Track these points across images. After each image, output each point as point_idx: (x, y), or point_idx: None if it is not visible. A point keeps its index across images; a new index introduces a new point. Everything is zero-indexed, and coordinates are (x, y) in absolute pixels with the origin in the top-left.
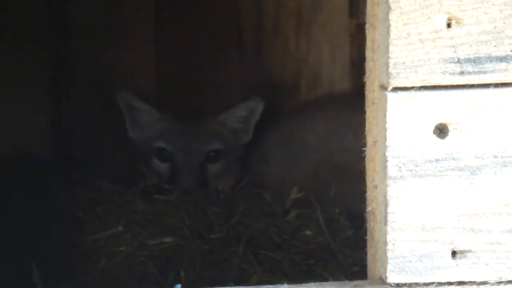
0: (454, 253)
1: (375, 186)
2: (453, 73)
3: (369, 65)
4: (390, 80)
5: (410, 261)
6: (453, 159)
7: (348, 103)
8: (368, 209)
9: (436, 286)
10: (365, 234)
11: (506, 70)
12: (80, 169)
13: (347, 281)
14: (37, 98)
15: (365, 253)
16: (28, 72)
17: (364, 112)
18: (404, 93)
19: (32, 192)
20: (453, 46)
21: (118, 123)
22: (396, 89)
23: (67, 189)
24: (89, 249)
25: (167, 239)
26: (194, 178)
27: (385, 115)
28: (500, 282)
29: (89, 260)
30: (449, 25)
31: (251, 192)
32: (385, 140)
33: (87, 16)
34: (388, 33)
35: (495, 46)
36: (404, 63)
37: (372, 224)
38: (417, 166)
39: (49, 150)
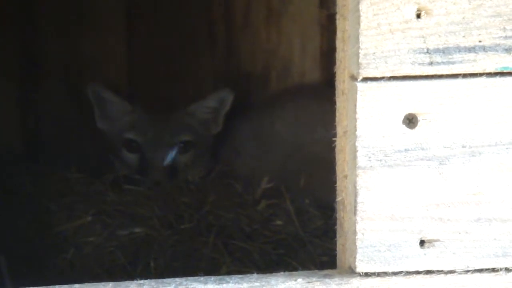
0: (422, 242)
1: (345, 176)
2: (423, 63)
3: (339, 55)
4: (360, 71)
5: (379, 251)
6: (422, 149)
7: (318, 94)
8: (338, 199)
9: (404, 275)
10: (335, 224)
11: (474, 60)
12: (49, 159)
13: (316, 271)
14: (6, 89)
15: (335, 243)
16: None
17: (334, 103)
18: (374, 83)
19: (0, 182)
20: (423, 37)
21: (87, 114)
22: (366, 79)
23: (36, 179)
24: (58, 240)
25: (137, 230)
26: (164, 169)
27: (355, 105)
28: (468, 271)
29: (58, 251)
30: (418, 16)
31: (221, 183)
32: (355, 130)
33: (57, 7)
34: (358, 23)
35: (463, 36)
36: (374, 53)
37: (341, 214)
38: (386, 156)
39: (18, 141)
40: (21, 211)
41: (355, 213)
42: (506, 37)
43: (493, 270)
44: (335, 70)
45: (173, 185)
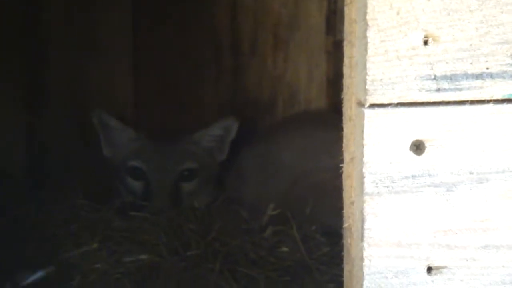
0: (429, 269)
1: (352, 203)
2: (430, 90)
3: (346, 82)
4: (367, 97)
5: (386, 277)
6: (429, 175)
7: (324, 121)
8: (345, 225)
9: None
10: (341, 250)
11: (481, 87)
12: (55, 186)
13: None
14: (12, 115)
15: (341, 270)
16: (1, 90)
17: (340, 129)
18: (381, 109)
19: (6, 209)
20: (430, 63)
21: (93, 141)
22: (373, 105)
23: (41, 206)
24: (64, 267)
25: (143, 256)
26: (168, 197)
27: (362, 131)
28: None
29: (64, 278)
30: (426, 43)
31: (227, 209)
32: (362, 156)
33: (63, 33)
34: (365, 50)
35: (471, 63)
36: (381, 80)
37: (348, 241)
38: (393, 183)
39: (23, 167)
40: (26, 238)
41: (362, 240)
42: None
43: None
44: (342, 97)
45: (179, 212)
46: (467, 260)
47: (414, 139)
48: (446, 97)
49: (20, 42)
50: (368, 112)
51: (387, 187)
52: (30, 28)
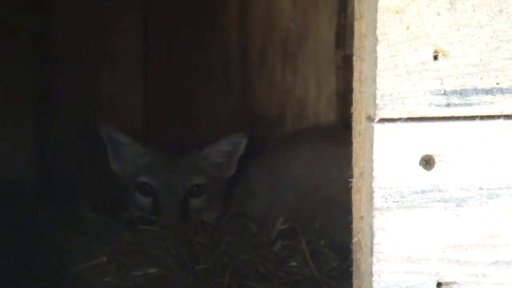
0: (439, 285)
1: (361, 217)
2: (440, 105)
3: (356, 96)
4: (377, 112)
5: None
6: (439, 190)
7: (333, 135)
8: (354, 240)
9: None
10: (350, 265)
11: (491, 102)
12: (64, 198)
13: None
14: (22, 127)
15: (350, 285)
16: (12, 102)
17: (349, 144)
18: (390, 124)
19: (15, 222)
20: (440, 78)
21: (102, 153)
22: (383, 120)
23: (50, 218)
24: (73, 280)
25: (152, 270)
26: (176, 212)
27: (371, 146)
28: None
29: None
30: (435, 57)
31: (236, 223)
32: (372, 171)
33: (73, 47)
34: (375, 64)
35: (481, 78)
36: (391, 94)
37: (358, 255)
38: (403, 198)
39: (33, 180)
40: (36, 251)
41: (371, 255)
42: None
43: None
44: (351, 111)
45: (188, 226)
46: (477, 276)
47: (424, 154)
48: (456, 112)
49: (30, 53)
50: (377, 127)
51: (397, 202)
52: (40, 39)
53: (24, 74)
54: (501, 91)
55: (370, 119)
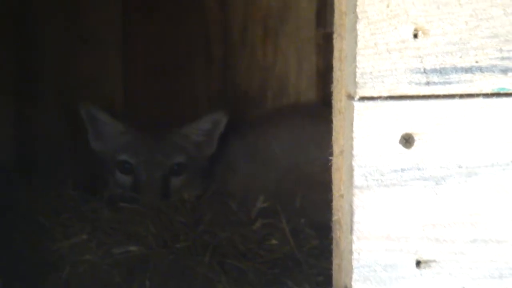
0: (418, 263)
1: (341, 196)
2: (419, 83)
3: (336, 74)
4: (357, 90)
5: (375, 271)
6: (418, 169)
7: (313, 113)
8: (334, 218)
9: None
10: (330, 244)
11: (471, 81)
12: (44, 176)
13: None
14: (1, 106)
15: (330, 263)
16: None
17: (330, 122)
18: (370, 102)
19: None
20: (419, 57)
21: (82, 132)
22: (363, 98)
23: (30, 196)
24: (53, 258)
25: (132, 248)
26: (157, 191)
27: (352, 124)
28: None
29: (53, 269)
30: (415, 36)
31: (217, 202)
32: (352, 149)
33: (55, 26)
34: (355, 42)
35: (460, 57)
36: (371, 73)
37: (338, 234)
38: (383, 176)
39: (12, 158)
40: (15, 229)
41: (351, 233)
42: (502, 58)
43: None
44: (332, 89)
45: (169, 204)
46: (455, 254)
47: (404, 132)
48: (436, 90)
49: (10, 31)
50: (357, 105)
51: (376, 180)
52: (20, 18)
53: (3, 53)
54: (480, 69)
55: (350, 97)
